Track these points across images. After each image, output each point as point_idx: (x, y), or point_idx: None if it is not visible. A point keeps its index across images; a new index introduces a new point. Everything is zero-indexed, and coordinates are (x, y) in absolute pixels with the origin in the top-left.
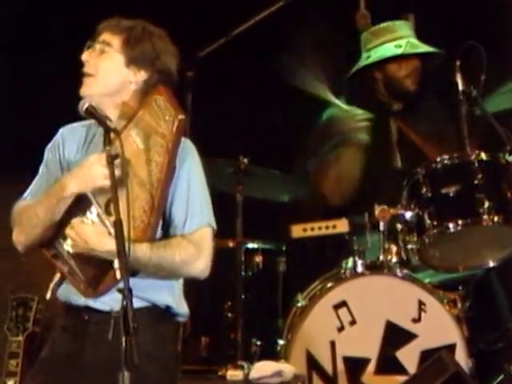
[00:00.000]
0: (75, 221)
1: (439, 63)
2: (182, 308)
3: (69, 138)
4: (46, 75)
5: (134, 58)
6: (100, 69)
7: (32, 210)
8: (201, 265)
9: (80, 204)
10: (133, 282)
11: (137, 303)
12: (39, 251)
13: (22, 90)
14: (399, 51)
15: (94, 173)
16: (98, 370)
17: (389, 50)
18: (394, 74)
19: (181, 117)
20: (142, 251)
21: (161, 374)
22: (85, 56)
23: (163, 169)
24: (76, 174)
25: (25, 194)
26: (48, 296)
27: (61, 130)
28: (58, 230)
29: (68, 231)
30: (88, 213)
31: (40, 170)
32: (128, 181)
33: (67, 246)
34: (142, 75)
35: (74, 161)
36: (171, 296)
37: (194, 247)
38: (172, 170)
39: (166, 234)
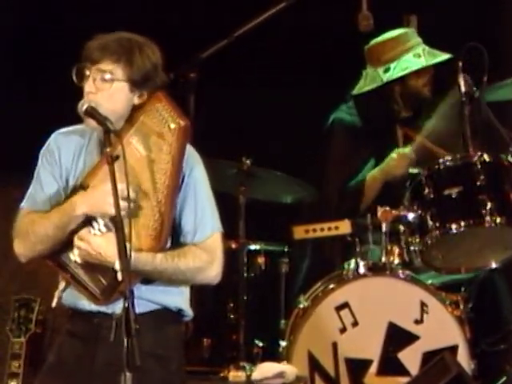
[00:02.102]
0: (84, 232)
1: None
2: (189, 309)
3: (64, 144)
4: (46, 77)
5: (137, 82)
6: (106, 100)
7: (40, 227)
8: (214, 271)
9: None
10: (146, 286)
11: (148, 306)
12: None
13: (22, 90)
14: (423, 61)
15: (106, 201)
16: (111, 374)
17: (410, 61)
18: (413, 84)
19: (185, 123)
20: (158, 262)
21: (172, 377)
22: (88, 87)
23: (171, 175)
24: (88, 197)
25: (24, 203)
26: (54, 304)
27: (54, 136)
28: (63, 242)
29: (78, 243)
30: (94, 223)
31: (36, 177)
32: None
33: (74, 256)
34: (144, 95)
35: (70, 168)
36: (182, 299)
37: (207, 255)
38: (179, 177)
39: (176, 243)
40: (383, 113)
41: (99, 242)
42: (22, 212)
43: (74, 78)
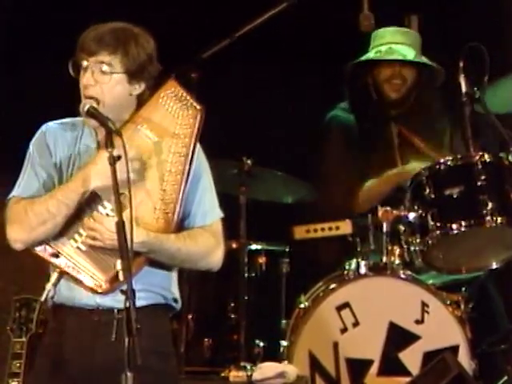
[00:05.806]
0: (97, 215)
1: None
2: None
3: (57, 136)
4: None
5: (134, 73)
6: (106, 94)
7: (42, 206)
8: (219, 255)
9: (89, 200)
10: (146, 279)
11: (145, 300)
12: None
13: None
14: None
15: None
16: (111, 371)
17: (393, 52)
18: (377, 76)
19: (200, 107)
20: (171, 242)
21: (173, 373)
22: (86, 80)
23: (186, 159)
24: (96, 170)
25: (17, 192)
26: (43, 298)
27: (45, 127)
28: (63, 228)
29: (91, 224)
30: (100, 208)
31: (30, 165)
32: (140, 176)
33: (76, 243)
34: (142, 85)
35: (65, 158)
36: (176, 289)
37: (214, 238)
38: (193, 160)
39: (180, 227)
40: (371, 109)
41: (113, 223)
42: (14, 199)
43: (71, 70)
